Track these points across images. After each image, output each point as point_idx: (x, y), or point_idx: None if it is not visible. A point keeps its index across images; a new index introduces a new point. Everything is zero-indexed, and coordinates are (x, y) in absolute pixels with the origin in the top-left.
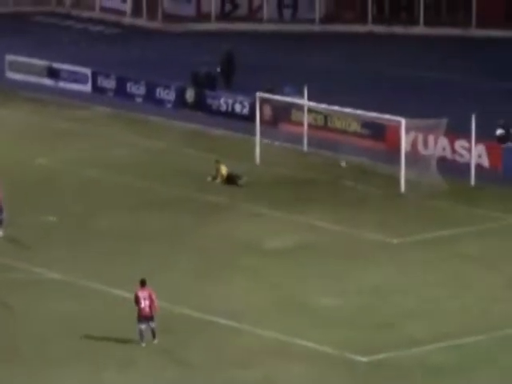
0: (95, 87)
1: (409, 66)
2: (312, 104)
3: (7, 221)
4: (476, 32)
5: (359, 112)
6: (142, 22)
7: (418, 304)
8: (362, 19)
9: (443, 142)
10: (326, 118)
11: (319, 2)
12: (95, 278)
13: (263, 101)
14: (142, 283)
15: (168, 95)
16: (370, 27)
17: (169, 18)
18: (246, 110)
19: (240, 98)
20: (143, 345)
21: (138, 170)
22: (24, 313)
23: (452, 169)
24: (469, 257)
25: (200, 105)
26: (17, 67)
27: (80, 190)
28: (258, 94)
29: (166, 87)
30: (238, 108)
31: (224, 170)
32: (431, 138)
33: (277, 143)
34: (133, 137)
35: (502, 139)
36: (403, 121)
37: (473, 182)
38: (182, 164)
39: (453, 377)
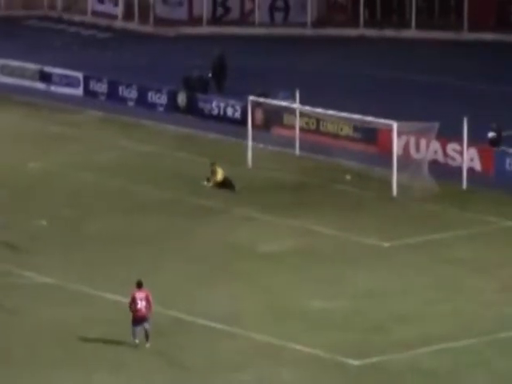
0: (87, 91)
1: (401, 69)
2: (304, 108)
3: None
4: (468, 35)
5: (351, 116)
6: (134, 25)
7: (410, 307)
8: (354, 23)
9: (435, 145)
10: (318, 121)
11: (311, 6)
12: (87, 281)
13: (255, 105)
14: (139, 284)
15: (160, 99)
16: (361, 31)
17: (160, 21)
18: (237, 114)
19: (232, 101)
20: (136, 341)
21: (130, 174)
22: (16, 316)
23: (444, 172)
24: (461, 260)
25: (192, 108)
26: (9, 71)
27: (72, 194)
28: (250, 98)
29: (158, 91)
30: (229, 112)
31: (220, 173)
32: (423, 142)
33: (269, 147)
34: (125, 140)
35: (493, 142)
36: (395, 124)
37: (465, 185)
38: (174, 168)
39: (445, 380)
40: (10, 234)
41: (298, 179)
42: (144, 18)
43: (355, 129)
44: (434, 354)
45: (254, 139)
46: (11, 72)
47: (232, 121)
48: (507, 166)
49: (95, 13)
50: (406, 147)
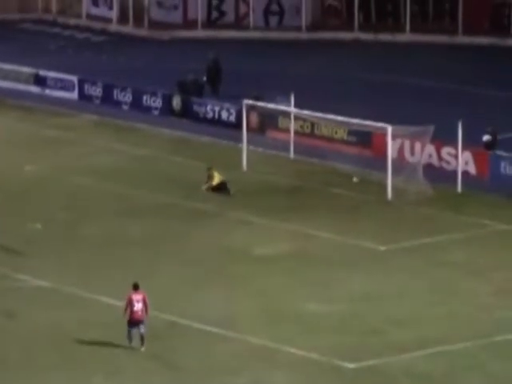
0: (82, 95)
1: (395, 73)
2: (299, 111)
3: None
4: (462, 39)
5: (346, 119)
6: (129, 29)
7: (406, 311)
8: (349, 26)
9: (430, 148)
10: (312, 125)
11: (305, 10)
12: (83, 285)
13: (250, 108)
14: (136, 287)
15: (155, 102)
16: (356, 34)
17: (155, 25)
18: (232, 118)
19: (227, 105)
20: (131, 344)
21: (125, 177)
22: (12, 320)
23: (439, 176)
24: (456, 264)
25: (187, 112)
26: (3, 74)
27: (67, 197)
28: (245, 102)
29: (153, 94)
30: (224, 115)
31: (217, 177)
32: (418, 145)
33: (263, 150)
34: (119, 144)
35: (489, 146)
36: (390, 128)
37: (459, 189)
38: (169, 171)
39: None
40: (5, 238)
41: (293, 183)
42: (139, 22)
43: (350, 132)
44: (430, 357)
45: (248, 143)
46: (6, 75)
47: (227, 124)
48: (502, 170)
49: (90, 16)
50: (400, 151)
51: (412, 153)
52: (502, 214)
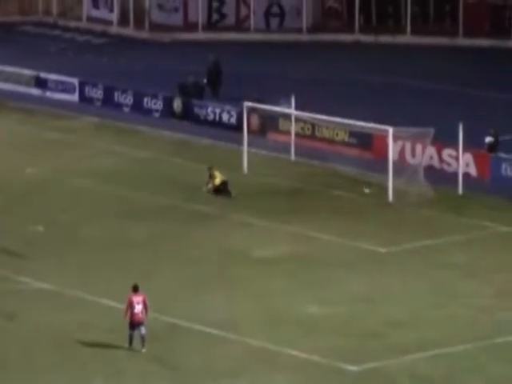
0: (83, 97)
1: (396, 74)
2: (299, 113)
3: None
4: (463, 41)
5: (346, 121)
6: (130, 31)
7: (407, 313)
8: (349, 28)
9: (431, 150)
10: (313, 127)
11: (306, 12)
12: (83, 287)
13: (251, 110)
14: (135, 288)
15: (155, 105)
16: (357, 36)
17: (156, 27)
18: (233, 120)
19: (227, 107)
20: (131, 348)
21: (126, 180)
22: (13, 322)
23: (440, 178)
24: (456, 265)
25: (187, 114)
26: (4, 77)
27: (68, 200)
28: (246, 104)
29: (154, 97)
30: (225, 117)
31: (219, 177)
32: (419, 147)
33: (264, 153)
34: (120, 146)
35: (491, 147)
36: (390, 130)
37: (460, 190)
38: (170, 173)
39: None
40: (6, 240)
41: (294, 185)
42: (139, 24)
43: (351, 134)
44: (430, 359)
45: (249, 145)
46: (7, 78)
47: (228, 126)
48: (503, 172)
49: (90, 18)
50: (401, 153)
51: (413, 155)
52: (502, 215)
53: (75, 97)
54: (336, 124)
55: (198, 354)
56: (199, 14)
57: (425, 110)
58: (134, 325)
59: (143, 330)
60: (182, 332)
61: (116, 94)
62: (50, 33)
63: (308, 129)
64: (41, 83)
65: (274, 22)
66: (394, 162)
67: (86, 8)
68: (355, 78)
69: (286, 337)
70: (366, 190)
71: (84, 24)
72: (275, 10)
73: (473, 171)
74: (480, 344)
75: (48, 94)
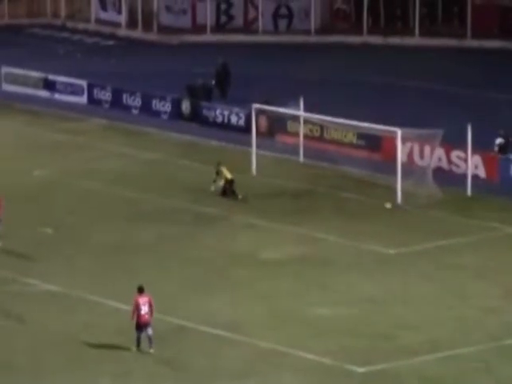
0: (91, 99)
1: (404, 76)
2: (308, 115)
3: (3, 232)
4: (471, 42)
5: (355, 123)
6: (138, 33)
7: (415, 314)
8: (358, 30)
9: (439, 152)
10: (321, 128)
11: (314, 13)
12: (91, 289)
13: (259, 112)
14: (140, 290)
15: (164, 107)
16: (365, 38)
17: (164, 29)
18: (241, 122)
19: (236, 109)
20: (138, 349)
21: (134, 182)
22: (21, 324)
23: (448, 179)
24: (465, 267)
25: (196, 116)
26: (12, 79)
27: (76, 202)
28: (254, 106)
29: (162, 99)
30: (233, 119)
31: (226, 174)
32: (427, 149)
33: (273, 154)
34: (129, 148)
35: (501, 149)
36: (399, 131)
37: (469, 192)
38: (178, 175)
39: None
40: (14, 242)
41: (302, 186)
42: (148, 26)
43: (359, 136)
44: (440, 360)
45: (258, 147)
46: (15, 80)
47: (236, 128)
48: None
49: (99, 21)
50: (410, 154)
51: (421, 156)
52: (511, 217)
53: (84, 99)
54: (345, 126)
55: (206, 356)
56: (207, 16)
57: (433, 112)
58: (141, 326)
59: (150, 330)
60: (190, 333)
61: (124, 96)
62: (58, 35)
63: (316, 130)
64: (49, 85)
65: (282, 23)
66: (402, 164)
67: (95, 10)
68: (363, 80)
69: (294, 338)
70: (388, 205)
71: (92, 26)
72: (283, 11)
73: (481, 173)
74: (489, 345)
75: (56, 96)
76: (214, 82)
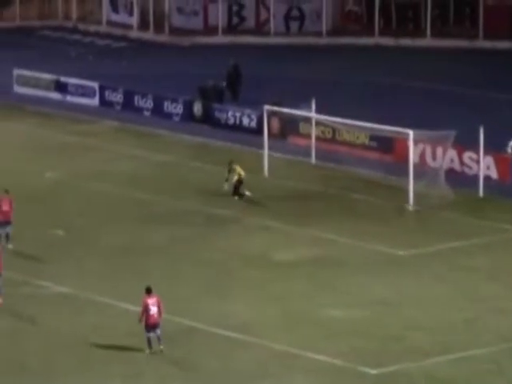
0: (103, 101)
1: (416, 77)
2: (320, 117)
3: (14, 234)
4: (483, 44)
5: (367, 124)
6: (149, 35)
7: (427, 316)
8: (369, 31)
9: (451, 153)
10: (333, 130)
11: (326, 15)
12: (102, 291)
13: (271, 114)
14: (148, 290)
15: (176, 108)
16: (376, 39)
17: (176, 31)
18: (253, 123)
19: (248, 111)
20: (152, 351)
21: (146, 184)
22: (33, 325)
23: (460, 180)
24: (477, 268)
25: (208, 118)
26: (24, 81)
27: (88, 204)
28: (266, 107)
29: (174, 101)
30: (245, 121)
31: (238, 172)
32: (439, 150)
33: (285, 156)
34: (140, 150)
35: None
36: (411, 133)
37: (481, 193)
38: (190, 177)
39: None
40: (25, 244)
41: (315, 188)
42: (159, 28)
43: (371, 137)
44: (452, 362)
45: (270, 148)
46: (27, 82)
47: (248, 130)
48: None
49: (110, 23)
50: (422, 156)
51: (433, 158)
52: None
53: (95, 101)
54: (356, 127)
55: (218, 358)
56: (219, 17)
57: (445, 113)
58: (150, 327)
59: (159, 331)
60: (201, 335)
61: (136, 98)
62: (69, 37)
63: (328, 132)
64: (61, 87)
65: (294, 25)
66: (414, 165)
67: (106, 12)
68: (375, 81)
69: (307, 340)
70: (409, 208)
71: (104, 28)
72: (295, 13)
73: (494, 174)
74: (501, 347)
75: (68, 98)
76: (225, 84)
